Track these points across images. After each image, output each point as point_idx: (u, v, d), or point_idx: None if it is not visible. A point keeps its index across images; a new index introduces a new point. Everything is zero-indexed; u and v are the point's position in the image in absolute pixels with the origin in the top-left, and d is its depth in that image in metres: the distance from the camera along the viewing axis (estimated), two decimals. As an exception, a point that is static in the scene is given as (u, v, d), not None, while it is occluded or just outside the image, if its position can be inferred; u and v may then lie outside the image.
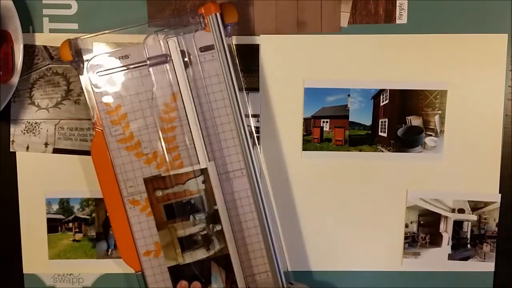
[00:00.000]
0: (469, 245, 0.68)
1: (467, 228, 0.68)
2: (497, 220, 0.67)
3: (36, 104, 0.66)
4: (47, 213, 0.67)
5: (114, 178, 0.62)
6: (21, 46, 0.62)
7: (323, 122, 0.67)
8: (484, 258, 0.68)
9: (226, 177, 0.62)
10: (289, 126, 0.66)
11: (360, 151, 0.67)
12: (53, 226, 0.67)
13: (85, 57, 0.62)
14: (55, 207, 0.67)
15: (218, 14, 0.59)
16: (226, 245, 0.62)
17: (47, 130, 0.66)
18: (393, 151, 0.67)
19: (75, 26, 0.65)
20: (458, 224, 0.68)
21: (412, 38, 0.65)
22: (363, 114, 0.67)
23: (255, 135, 0.65)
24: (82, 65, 0.61)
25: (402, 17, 0.65)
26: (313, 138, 0.67)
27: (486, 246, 0.68)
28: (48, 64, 0.65)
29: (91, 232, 0.68)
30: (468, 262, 0.68)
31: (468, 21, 0.65)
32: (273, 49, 0.65)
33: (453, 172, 0.67)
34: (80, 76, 0.61)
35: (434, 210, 0.68)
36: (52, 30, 0.65)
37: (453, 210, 0.68)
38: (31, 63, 0.65)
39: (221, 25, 0.59)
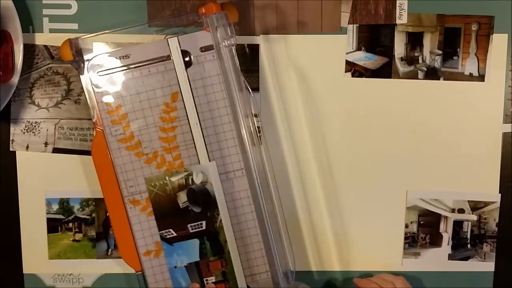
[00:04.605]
0: (469, 245, 0.68)
1: (467, 228, 0.68)
2: (497, 220, 0.68)
3: (36, 103, 0.66)
4: (47, 213, 0.67)
5: (114, 178, 0.62)
6: (21, 46, 0.62)
7: (323, 122, 0.67)
8: (484, 258, 0.68)
9: (227, 177, 0.62)
10: (289, 126, 0.66)
11: (360, 151, 0.67)
12: (53, 226, 0.67)
13: (85, 57, 0.61)
14: (55, 207, 0.67)
15: (223, 14, 0.58)
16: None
17: (47, 130, 0.66)
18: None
19: (75, 26, 0.65)
20: (458, 224, 0.68)
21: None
22: (363, 114, 0.67)
23: (258, 134, 0.65)
24: (82, 64, 0.61)
25: (402, 17, 0.65)
26: (313, 138, 0.67)
27: (486, 246, 0.68)
28: (49, 64, 0.65)
29: (91, 232, 0.67)
30: (468, 262, 0.68)
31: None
32: (273, 49, 0.65)
33: (453, 172, 0.67)
34: (81, 76, 0.61)
35: (434, 210, 0.68)
36: (52, 30, 0.65)
37: (453, 210, 0.68)
38: (32, 62, 0.65)
39: (227, 24, 0.58)
